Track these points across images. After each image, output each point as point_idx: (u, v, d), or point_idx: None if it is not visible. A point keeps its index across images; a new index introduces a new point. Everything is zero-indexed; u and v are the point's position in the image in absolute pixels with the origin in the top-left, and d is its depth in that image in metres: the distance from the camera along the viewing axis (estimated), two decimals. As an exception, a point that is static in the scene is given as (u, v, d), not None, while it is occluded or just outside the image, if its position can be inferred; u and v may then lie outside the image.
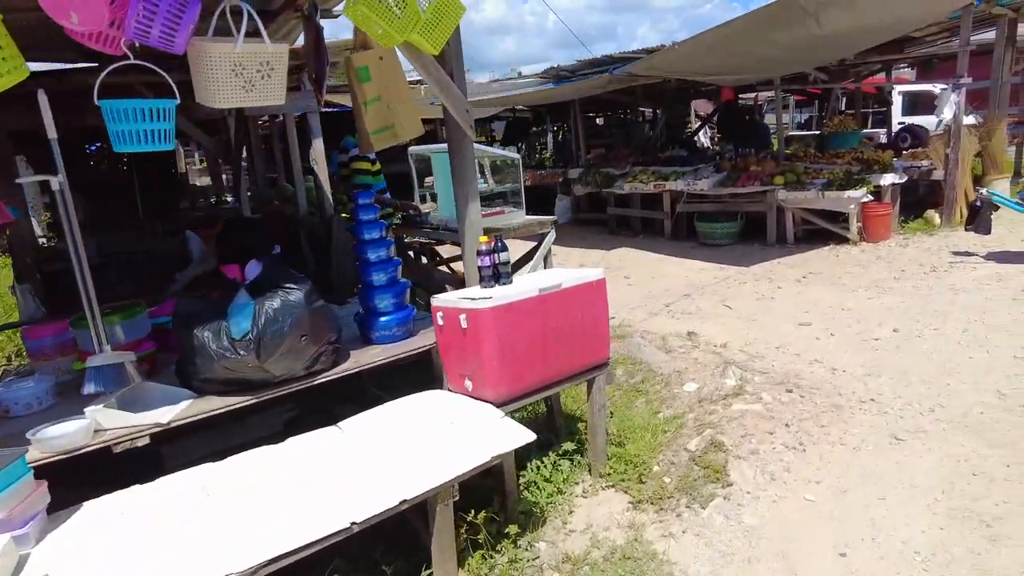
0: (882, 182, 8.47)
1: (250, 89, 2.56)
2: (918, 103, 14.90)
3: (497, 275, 3.03)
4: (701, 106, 25.06)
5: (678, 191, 9.75)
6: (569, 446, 3.29)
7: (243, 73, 2.51)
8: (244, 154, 7.35)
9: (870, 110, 15.06)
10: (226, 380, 2.67)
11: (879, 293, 6.09)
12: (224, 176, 14.43)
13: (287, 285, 2.72)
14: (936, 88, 14.20)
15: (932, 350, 4.56)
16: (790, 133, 17.63)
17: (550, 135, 21.74)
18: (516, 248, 5.93)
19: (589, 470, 3.31)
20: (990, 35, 9.95)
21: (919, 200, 9.72)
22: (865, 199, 8.27)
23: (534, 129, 22.00)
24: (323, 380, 2.83)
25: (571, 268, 3.33)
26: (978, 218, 6.78)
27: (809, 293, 6.36)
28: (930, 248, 7.65)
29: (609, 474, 3.22)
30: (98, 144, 11.72)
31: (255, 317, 2.60)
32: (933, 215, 8.89)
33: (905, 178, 8.84)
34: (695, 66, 7.63)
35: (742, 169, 9.63)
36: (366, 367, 2.97)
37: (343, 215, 5.67)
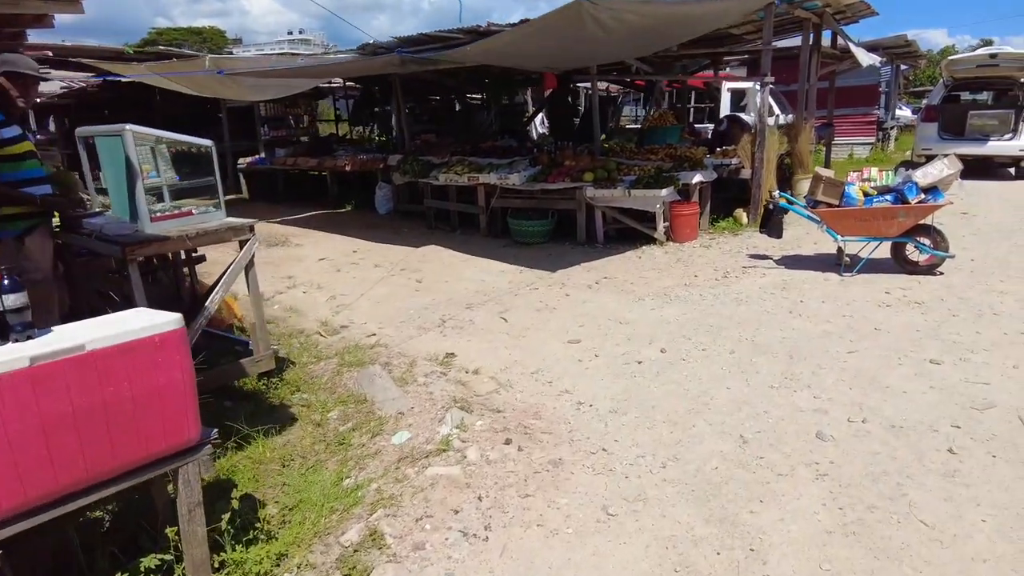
0: (691, 180, 8.19)
1: None
2: (746, 99, 15.27)
3: (3, 329, 1.99)
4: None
5: (492, 185, 9.02)
6: (160, 559, 2.32)
7: None
8: None
9: (701, 105, 15.25)
10: None
11: (664, 303, 5.64)
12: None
13: None
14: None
15: (692, 377, 4.05)
16: (630, 126, 17.66)
17: (394, 116, 20.48)
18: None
19: (192, 589, 2.36)
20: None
21: (735, 197, 9.62)
22: (672, 198, 7.94)
23: (376, 109, 20.70)
24: None
25: (133, 314, 2.33)
26: (770, 221, 6.55)
27: (595, 302, 5.80)
28: (731, 250, 7.43)
29: (212, 597, 2.29)
30: None
31: None
32: (741, 214, 8.79)
33: (715, 176, 8.65)
34: (492, 57, 6.86)
35: (557, 164, 9.08)
36: None
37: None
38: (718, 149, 9.40)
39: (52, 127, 18.01)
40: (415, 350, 4.87)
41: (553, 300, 5.96)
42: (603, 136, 11.68)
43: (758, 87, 8.12)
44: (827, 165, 12.40)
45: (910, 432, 3.21)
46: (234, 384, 4.30)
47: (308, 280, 7.13)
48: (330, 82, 15.60)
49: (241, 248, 3.99)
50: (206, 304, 3.83)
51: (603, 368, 4.31)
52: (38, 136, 16.69)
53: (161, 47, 11.42)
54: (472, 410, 3.67)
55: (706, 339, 4.65)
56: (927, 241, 5.76)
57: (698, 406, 3.64)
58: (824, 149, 12.44)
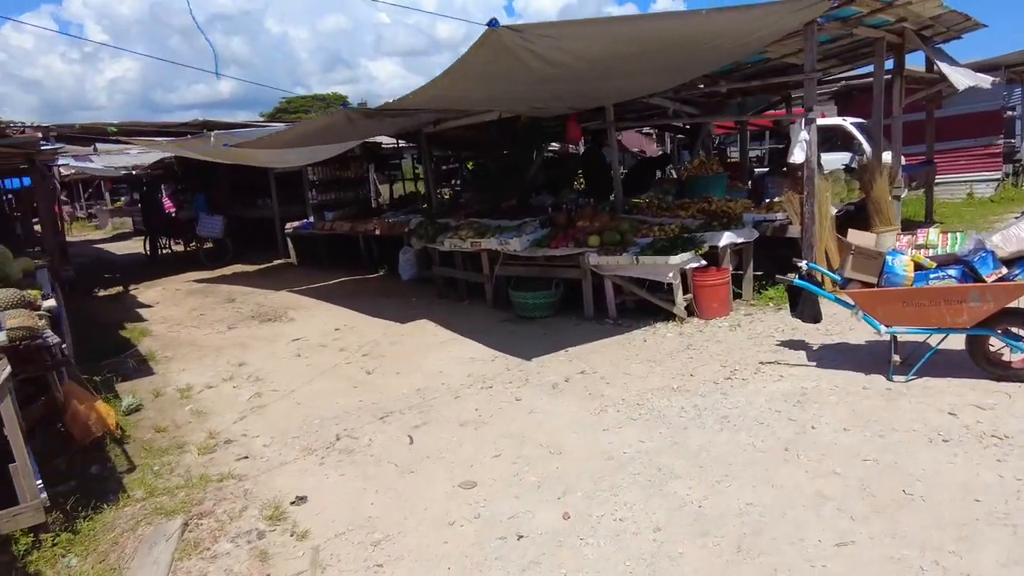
0: (718, 242, 6.63)
1: None
2: (835, 139, 13.18)
3: None
4: (634, 140, 23.60)
5: (496, 251, 7.89)
6: None
7: None
8: None
9: (778, 147, 13.32)
10: None
11: (628, 420, 4.18)
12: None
13: None
14: (845, 122, 12.57)
15: (573, 578, 2.62)
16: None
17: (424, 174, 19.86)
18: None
19: None
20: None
21: (792, 256, 7.81)
22: (693, 264, 6.42)
23: (444, 167, 20.30)
24: None
25: None
26: (801, 301, 4.92)
27: (542, 413, 4.45)
28: (762, 332, 5.78)
29: None
30: None
31: None
32: (794, 276, 7.02)
33: (755, 235, 7.00)
34: (441, 102, 5.84)
35: (567, 225, 7.82)
36: None
37: None
38: (765, 201, 7.73)
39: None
40: (266, 487, 3.78)
41: (493, 408, 4.66)
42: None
43: (801, 124, 6.48)
44: (929, 210, 10.18)
45: None
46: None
47: (256, 370, 6.27)
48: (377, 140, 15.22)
49: None
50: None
51: (465, 544, 2.97)
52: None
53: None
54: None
55: (638, 498, 3.17)
56: (1022, 333, 3.93)
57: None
58: (925, 192, 10.25)
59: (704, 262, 6.53)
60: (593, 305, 7.01)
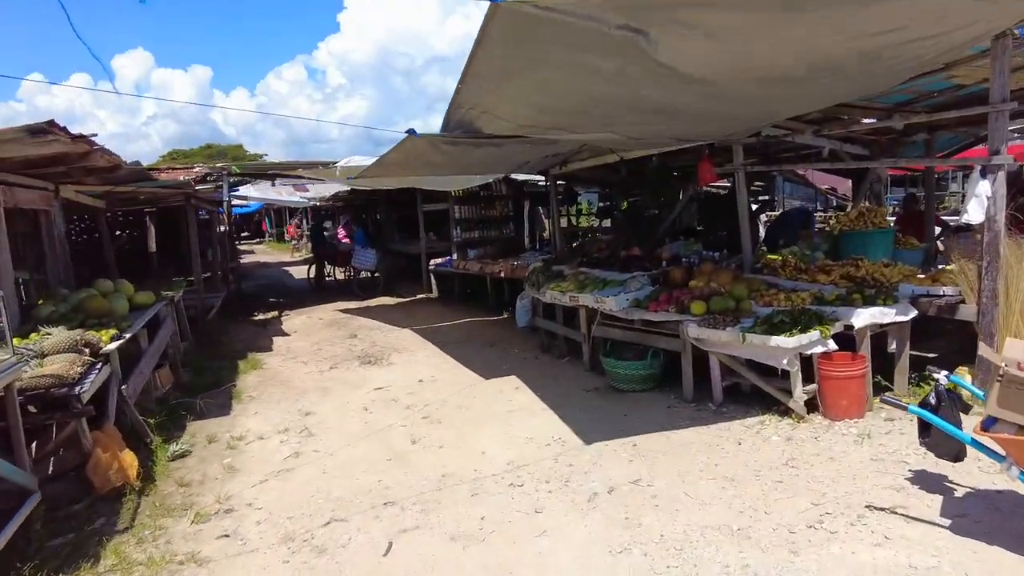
0: (854, 321, 5.18)
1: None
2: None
3: None
4: (821, 177, 21.10)
5: (595, 309, 7.04)
6: None
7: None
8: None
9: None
10: None
11: (650, 571, 3.16)
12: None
13: None
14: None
15: None
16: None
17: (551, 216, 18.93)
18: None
19: None
20: None
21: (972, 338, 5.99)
22: (819, 348, 5.07)
23: (600, 205, 19.59)
24: None
25: None
26: (933, 429, 3.49)
27: (550, 540, 3.57)
28: (893, 452, 4.33)
29: None
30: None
31: None
32: (964, 373, 5.27)
33: (912, 314, 5.39)
34: (504, 121, 5.09)
35: (678, 284, 6.74)
36: None
37: None
38: (937, 267, 5.97)
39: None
40: (213, 587, 3.37)
41: (502, 519, 3.87)
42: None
43: (979, 171, 4.84)
44: None
45: None
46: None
47: (316, 422, 6.08)
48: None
49: None
50: None
51: None
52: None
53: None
54: None
55: None
56: None
57: None
58: None
59: (834, 346, 5.13)
60: (697, 384, 5.87)
